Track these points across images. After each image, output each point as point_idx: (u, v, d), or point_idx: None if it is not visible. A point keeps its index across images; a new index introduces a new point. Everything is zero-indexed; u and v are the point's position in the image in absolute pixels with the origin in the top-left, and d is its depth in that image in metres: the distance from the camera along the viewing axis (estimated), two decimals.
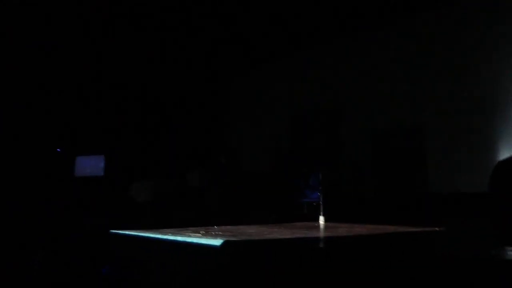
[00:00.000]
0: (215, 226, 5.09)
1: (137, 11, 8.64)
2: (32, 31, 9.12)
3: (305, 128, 10.80)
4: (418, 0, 8.55)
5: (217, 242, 3.33)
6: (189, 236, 3.89)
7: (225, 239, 3.41)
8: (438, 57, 8.78)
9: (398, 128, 9.25)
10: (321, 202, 5.76)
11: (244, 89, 12.62)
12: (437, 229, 4.22)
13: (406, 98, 9.13)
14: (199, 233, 4.29)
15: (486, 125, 8.01)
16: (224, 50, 10.65)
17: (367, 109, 9.78)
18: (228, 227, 4.79)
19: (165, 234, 3.97)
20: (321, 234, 4.15)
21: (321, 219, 5.60)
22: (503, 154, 7.65)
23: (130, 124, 10.73)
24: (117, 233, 4.17)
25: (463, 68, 8.42)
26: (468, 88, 8.33)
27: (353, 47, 10.20)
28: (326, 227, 5.06)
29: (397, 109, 9.23)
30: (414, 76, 9.07)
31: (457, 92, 8.46)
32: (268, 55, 11.30)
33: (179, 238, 3.63)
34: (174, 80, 11.05)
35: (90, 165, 11.45)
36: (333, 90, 10.38)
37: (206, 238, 3.73)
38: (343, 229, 4.40)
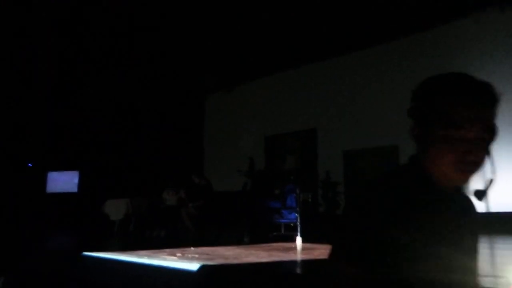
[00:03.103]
0: (192, 248, 5.03)
1: (110, 30, 8.61)
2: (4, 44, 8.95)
3: (280, 149, 10.91)
4: (392, 27, 8.84)
5: (193, 266, 3.30)
6: (165, 259, 3.84)
7: (202, 263, 3.38)
8: (411, 79, 9.06)
9: (372, 148, 9.45)
10: (298, 223, 5.79)
11: (218, 109, 12.66)
12: None
13: (379, 119, 9.35)
14: (175, 255, 4.24)
15: None
16: (199, 70, 10.70)
17: (340, 129, 9.97)
18: (205, 248, 4.74)
19: (141, 257, 3.90)
20: (298, 256, 4.16)
21: (298, 240, 5.62)
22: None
23: (106, 141, 10.57)
24: (90, 255, 4.07)
25: None
26: None
27: (327, 70, 10.41)
28: (302, 248, 5.08)
29: (371, 130, 9.44)
30: (387, 97, 9.32)
31: None
32: (243, 76, 11.41)
33: (155, 262, 3.57)
34: (151, 98, 11.01)
35: (63, 181, 11.16)
36: (308, 111, 10.54)
37: (182, 261, 3.68)
38: (319, 251, 4.42)
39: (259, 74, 11.27)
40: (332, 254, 0.97)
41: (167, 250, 4.55)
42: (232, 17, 8.32)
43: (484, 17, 8.10)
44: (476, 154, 0.93)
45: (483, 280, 2.27)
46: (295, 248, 5.19)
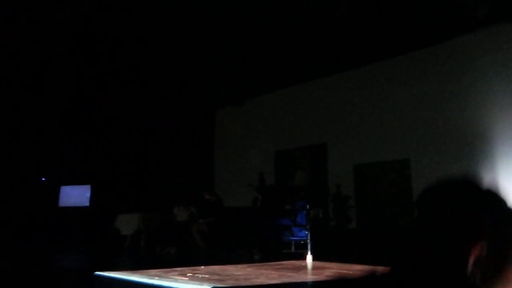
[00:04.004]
0: (202, 266, 5.04)
1: (123, 45, 8.77)
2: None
3: (290, 164, 10.90)
4: (401, 42, 8.85)
5: None
6: (176, 280, 3.85)
7: (212, 285, 3.39)
8: (422, 93, 9.04)
9: (382, 162, 9.40)
10: (308, 241, 5.77)
11: (229, 124, 12.71)
12: None
13: (390, 133, 9.33)
14: (186, 275, 4.25)
15: (467, 159, 8.21)
16: (209, 85, 10.79)
17: (350, 143, 9.94)
18: (215, 267, 4.75)
19: (152, 277, 3.93)
20: (308, 277, 4.15)
21: (309, 258, 5.59)
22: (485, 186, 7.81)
23: (118, 156, 10.68)
24: (102, 275, 4.10)
25: (445, 105, 8.68)
26: (450, 124, 8.56)
27: (337, 84, 10.43)
28: (313, 267, 5.06)
29: (381, 144, 9.40)
30: (397, 111, 9.30)
31: (440, 127, 8.68)
32: (253, 90, 11.47)
33: (165, 284, 3.59)
34: (162, 113, 11.12)
35: (75, 195, 11.28)
36: (318, 125, 10.56)
37: (193, 282, 3.70)
38: (329, 271, 4.41)
39: (269, 89, 11.32)
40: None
41: (178, 269, 4.57)
42: (242, 32, 8.41)
43: (493, 31, 8.07)
44: None
45: None
46: (305, 266, 5.17)
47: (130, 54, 9.15)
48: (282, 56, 9.43)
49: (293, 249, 6.16)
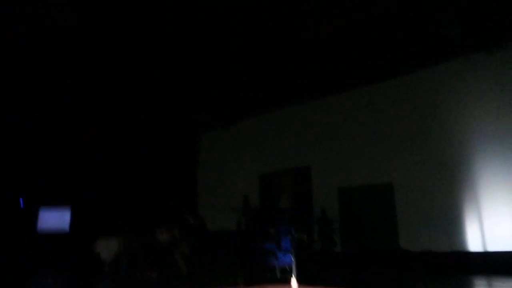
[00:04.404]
0: None
1: (105, 63, 8.71)
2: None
3: (274, 187, 10.88)
4: (384, 67, 9.05)
5: None
6: None
7: None
8: (405, 117, 9.19)
9: (367, 185, 9.45)
10: (293, 265, 5.68)
11: (213, 147, 12.69)
12: None
13: (374, 156, 9.41)
14: None
15: (450, 184, 8.31)
16: (195, 107, 10.79)
17: (335, 167, 9.99)
18: None
19: None
20: None
21: (293, 282, 5.50)
22: (467, 211, 7.91)
23: (99, 177, 10.50)
24: None
25: (428, 129, 8.83)
26: (433, 147, 8.69)
27: (321, 108, 10.56)
28: None
29: (365, 167, 9.47)
30: (381, 135, 9.41)
31: (423, 152, 8.80)
32: (237, 114, 11.53)
33: None
34: (145, 136, 11.04)
35: (54, 219, 10.94)
36: (301, 149, 10.61)
37: None
38: None
39: (253, 113, 11.39)
40: None
41: None
42: (227, 57, 8.48)
43: (476, 58, 8.32)
44: None
45: None
46: None
47: (114, 74, 9.10)
48: (267, 81, 9.53)
49: (278, 276, 6.06)
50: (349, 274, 7.43)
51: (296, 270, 5.74)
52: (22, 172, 10.69)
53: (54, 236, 10.43)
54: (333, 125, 10.21)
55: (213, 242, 7.46)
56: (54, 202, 11.00)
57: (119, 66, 8.74)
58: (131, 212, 10.09)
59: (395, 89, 9.43)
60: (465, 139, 8.29)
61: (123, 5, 6.79)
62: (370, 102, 9.72)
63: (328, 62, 8.75)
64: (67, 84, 9.31)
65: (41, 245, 10.03)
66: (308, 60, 8.67)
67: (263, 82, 9.49)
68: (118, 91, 9.62)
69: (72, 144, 10.74)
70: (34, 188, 10.85)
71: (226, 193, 11.13)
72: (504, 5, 6.77)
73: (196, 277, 6.71)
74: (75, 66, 8.69)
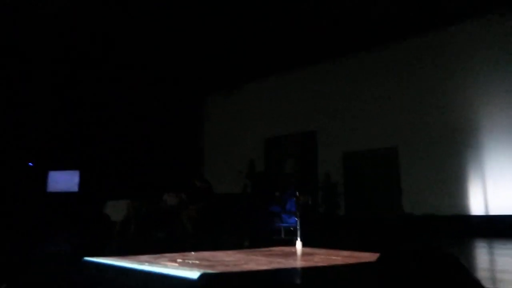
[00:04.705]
0: (192, 252, 5.04)
1: (110, 30, 8.63)
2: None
3: (279, 151, 10.93)
4: (390, 31, 8.85)
5: (194, 274, 3.32)
6: (166, 266, 3.85)
7: (202, 271, 3.40)
8: (411, 82, 9.08)
9: (371, 150, 9.47)
10: (298, 227, 5.80)
11: (218, 111, 12.67)
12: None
13: (379, 121, 9.38)
14: (176, 261, 4.25)
15: (454, 148, 8.32)
16: (199, 71, 10.71)
17: (340, 131, 9.99)
18: (205, 253, 4.75)
19: (142, 263, 3.92)
20: (298, 263, 4.18)
21: (298, 244, 5.64)
22: (471, 175, 7.95)
23: (107, 142, 10.59)
24: (91, 261, 4.08)
25: (433, 95, 8.74)
26: (438, 113, 8.63)
27: (327, 72, 10.44)
28: (302, 253, 5.09)
29: (370, 132, 9.46)
30: (386, 100, 9.34)
31: (428, 117, 8.75)
32: (242, 78, 11.43)
33: (156, 270, 3.59)
34: (151, 100, 11.03)
35: (64, 180, 11.18)
36: (307, 113, 10.56)
37: (183, 268, 3.70)
38: (319, 257, 4.44)
39: (258, 77, 11.29)
40: None
41: (168, 255, 4.55)
42: (231, 20, 8.33)
43: (483, 22, 8.10)
44: None
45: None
46: (295, 253, 5.20)
47: (119, 39, 9.01)
48: (271, 44, 9.38)
49: (283, 236, 6.21)
50: (353, 237, 7.59)
51: (301, 232, 5.87)
52: (31, 137, 10.81)
53: (64, 198, 10.67)
54: (339, 89, 10.13)
55: (219, 205, 7.61)
56: (63, 167, 11.18)
57: (123, 28, 8.64)
58: (140, 176, 10.24)
59: (400, 53, 9.28)
60: (470, 102, 8.21)
61: None
62: (376, 66, 9.59)
63: (334, 25, 8.57)
64: (71, 47, 9.25)
65: (52, 203, 10.29)
66: (314, 23, 8.49)
67: (269, 45, 9.35)
68: (123, 55, 9.55)
69: (80, 111, 10.79)
70: (44, 153, 11.00)
71: (232, 157, 11.22)
72: None
73: (203, 238, 6.89)
74: (78, 29, 8.61)
